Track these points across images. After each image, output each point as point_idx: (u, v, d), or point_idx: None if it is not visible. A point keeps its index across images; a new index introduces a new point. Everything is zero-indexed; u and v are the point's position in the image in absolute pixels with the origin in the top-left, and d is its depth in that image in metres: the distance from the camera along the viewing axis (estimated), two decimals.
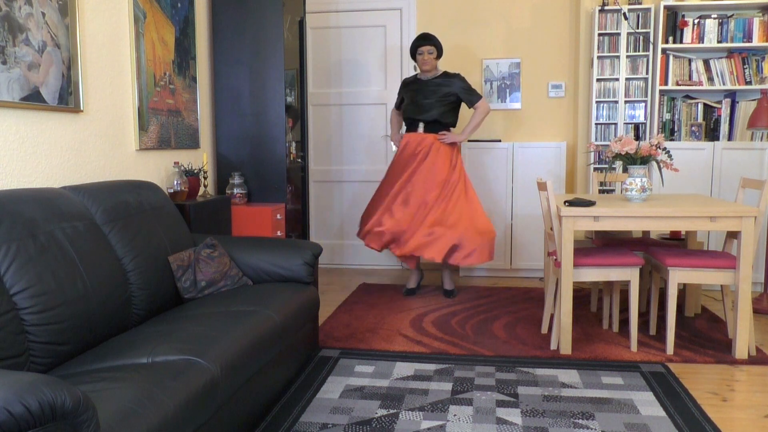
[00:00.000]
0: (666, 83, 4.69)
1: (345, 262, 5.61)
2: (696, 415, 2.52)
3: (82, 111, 2.79)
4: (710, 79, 4.68)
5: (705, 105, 4.74)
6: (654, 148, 3.35)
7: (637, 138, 4.82)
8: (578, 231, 4.83)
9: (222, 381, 1.98)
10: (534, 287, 4.72)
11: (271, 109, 4.08)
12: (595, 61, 4.76)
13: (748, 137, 4.67)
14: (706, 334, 3.56)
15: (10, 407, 1.21)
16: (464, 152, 4.97)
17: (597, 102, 4.81)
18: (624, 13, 4.68)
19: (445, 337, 3.53)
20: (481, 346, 3.36)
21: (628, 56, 4.74)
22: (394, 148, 5.38)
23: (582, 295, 4.47)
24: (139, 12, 3.22)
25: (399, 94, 4.54)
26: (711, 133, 4.75)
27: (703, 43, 4.61)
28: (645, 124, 4.79)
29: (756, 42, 4.55)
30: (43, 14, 2.52)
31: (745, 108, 4.67)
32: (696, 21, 4.61)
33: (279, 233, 3.98)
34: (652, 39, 4.71)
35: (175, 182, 3.42)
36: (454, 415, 2.54)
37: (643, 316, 3.94)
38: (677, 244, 3.95)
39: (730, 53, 4.68)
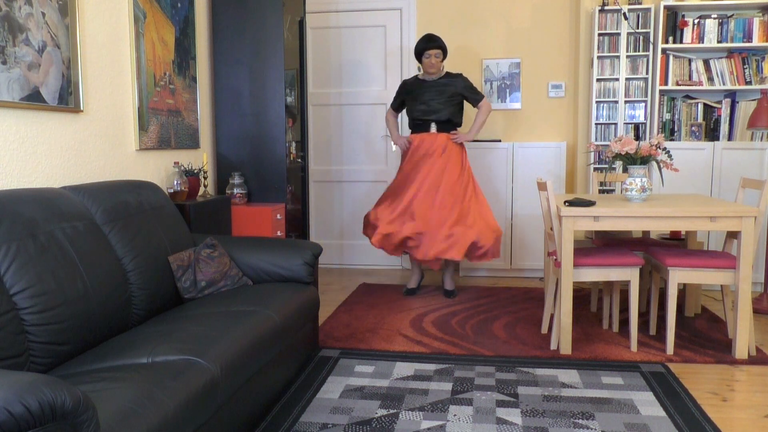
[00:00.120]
0: (666, 83, 4.69)
1: (345, 262, 5.61)
2: (696, 415, 2.52)
3: (82, 111, 2.79)
4: (710, 79, 4.68)
5: (705, 105, 4.74)
6: (654, 148, 3.35)
7: (637, 138, 4.82)
8: (578, 231, 4.83)
9: (222, 381, 1.98)
10: (534, 287, 4.72)
11: (271, 109, 4.08)
12: (595, 61, 4.76)
13: (748, 137, 4.67)
14: (706, 334, 3.56)
15: (10, 407, 1.21)
16: None
17: (597, 102, 4.81)
18: (624, 13, 4.68)
19: (445, 337, 3.53)
20: (481, 346, 3.36)
21: (628, 56, 4.74)
22: (394, 148, 5.38)
23: (582, 295, 4.47)
24: (139, 12, 3.22)
25: (398, 95, 4.48)
26: (711, 133, 4.75)
27: (703, 43, 4.61)
28: (645, 124, 4.79)
29: (756, 42, 4.55)
30: (43, 14, 2.52)
31: (745, 108, 4.67)
32: (696, 21, 4.61)
33: (279, 233, 3.98)
34: (652, 39, 4.71)
35: (175, 182, 3.42)
36: (454, 415, 2.54)
37: (643, 316, 3.95)
38: (677, 244, 3.95)
39: (730, 53, 4.68)
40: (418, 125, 4.39)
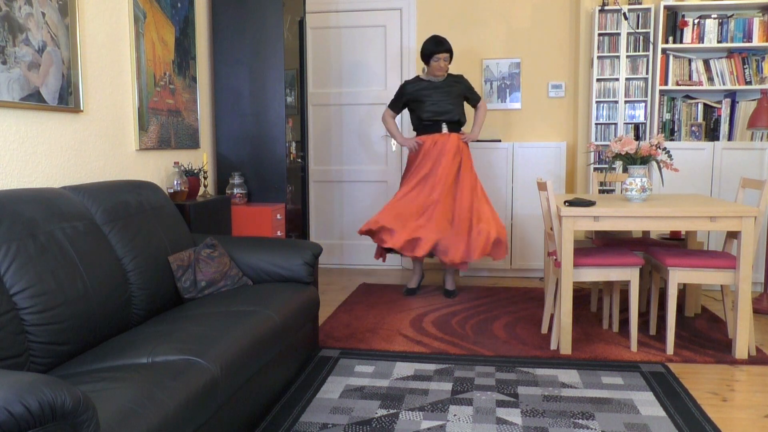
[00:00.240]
0: (666, 83, 4.69)
1: (345, 262, 5.61)
2: (696, 415, 2.52)
3: (82, 111, 2.79)
4: (710, 79, 4.68)
5: (705, 105, 4.74)
6: (654, 148, 3.35)
7: (637, 138, 4.82)
8: (578, 231, 4.83)
9: (222, 381, 1.98)
10: (534, 287, 4.72)
11: (271, 109, 4.08)
12: (595, 61, 4.76)
13: (748, 137, 4.67)
14: (706, 334, 3.56)
15: (10, 407, 1.21)
16: None
17: (597, 102, 4.81)
18: (624, 13, 4.68)
19: (445, 337, 3.53)
20: (481, 346, 3.36)
21: (628, 56, 4.74)
22: (394, 148, 5.38)
23: (582, 295, 4.47)
24: (139, 12, 3.22)
25: (400, 96, 4.40)
26: (711, 133, 4.75)
27: (703, 43, 4.61)
28: (645, 124, 4.79)
29: (756, 42, 4.55)
30: (43, 14, 2.52)
31: (745, 108, 4.67)
32: (696, 21, 4.61)
33: (279, 233, 3.98)
34: (652, 39, 4.71)
35: (175, 182, 3.42)
36: (454, 415, 2.54)
37: (643, 316, 3.95)
38: (677, 244, 3.95)
39: (730, 53, 4.68)
40: (427, 126, 4.35)
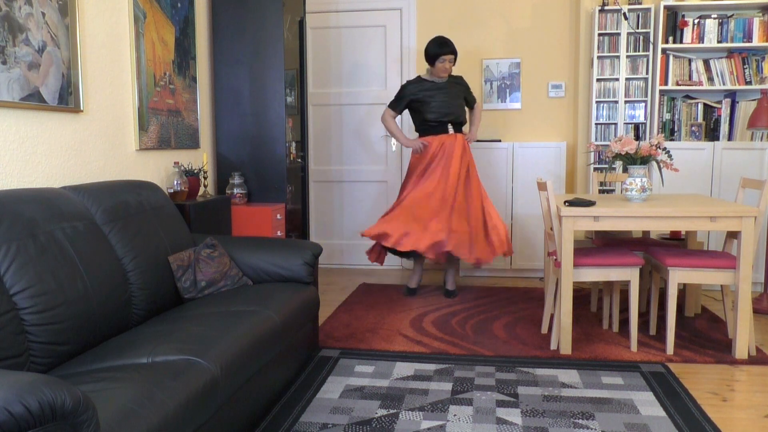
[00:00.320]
0: (666, 83, 4.69)
1: (345, 262, 5.61)
2: (696, 415, 2.52)
3: (82, 111, 2.79)
4: (710, 79, 4.68)
5: (705, 105, 4.74)
6: (654, 148, 3.35)
7: (637, 138, 4.82)
8: (578, 231, 4.83)
9: (222, 381, 1.98)
10: (534, 287, 4.72)
11: (271, 109, 4.08)
12: (595, 61, 4.76)
13: (748, 137, 4.67)
14: (706, 334, 3.56)
15: (10, 407, 1.21)
16: None
17: (597, 102, 4.81)
18: (624, 13, 4.68)
19: (445, 337, 3.53)
20: (481, 346, 3.36)
21: (628, 56, 4.74)
22: (394, 148, 5.38)
23: (582, 295, 4.47)
24: (139, 12, 3.22)
25: (403, 97, 4.34)
26: (711, 133, 4.75)
27: (703, 43, 4.61)
28: (645, 124, 4.79)
29: (756, 42, 4.55)
30: (43, 14, 2.52)
31: (745, 108, 4.67)
32: (696, 21, 4.61)
33: (279, 233, 3.98)
34: (652, 39, 4.71)
35: (175, 182, 3.42)
36: (454, 415, 2.54)
37: (643, 316, 3.94)
38: (677, 244, 3.95)
39: (730, 53, 4.68)
40: (433, 127, 4.32)
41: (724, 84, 4.66)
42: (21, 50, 2.40)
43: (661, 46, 4.62)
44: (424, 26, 5.28)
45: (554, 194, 4.29)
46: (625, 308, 4.11)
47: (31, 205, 2.15)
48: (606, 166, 4.62)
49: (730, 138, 4.70)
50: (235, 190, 3.99)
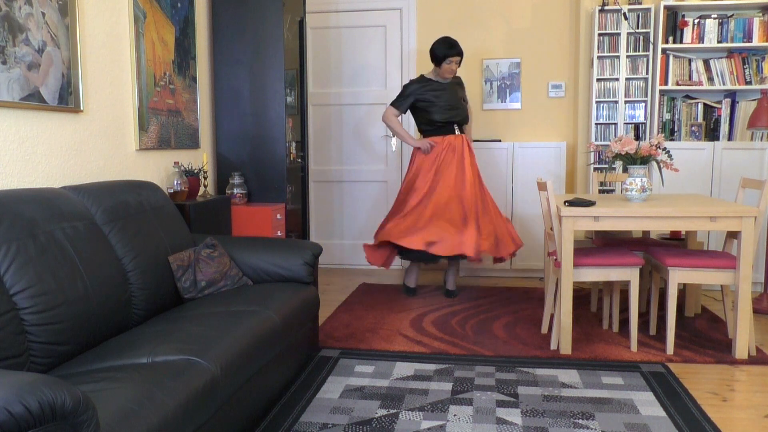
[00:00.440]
0: (666, 83, 4.69)
1: (345, 262, 5.61)
2: (696, 415, 2.52)
3: (82, 111, 2.79)
4: (710, 79, 4.68)
5: (705, 105, 4.74)
6: (654, 148, 3.35)
7: (637, 138, 4.82)
8: (578, 231, 4.83)
9: (222, 381, 1.98)
10: (534, 287, 4.72)
11: (271, 109, 4.08)
12: (595, 61, 4.76)
13: (748, 137, 4.67)
14: (706, 334, 3.56)
15: (10, 407, 1.21)
16: None
17: (597, 102, 4.81)
18: (624, 13, 4.68)
19: (445, 337, 3.53)
20: (481, 346, 3.36)
21: (628, 56, 4.74)
22: (394, 148, 5.38)
23: (582, 295, 4.47)
24: (139, 12, 3.22)
25: (408, 96, 4.29)
26: (711, 133, 4.75)
27: (703, 43, 4.61)
28: (645, 124, 4.79)
29: (756, 42, 4.55)
30: (43, 14, 2.52)
31: (745, 108, 4.67)
32: (696, 21, 4.61)
33: (279, 233, 3.98)
34: (652, 39, 4.71)
35: (175, 182, 3.42)
36: (454, 415, 2.54)
37: (643, 316, 3.94)
38: (677, 244, 3.95)
39: (730, 53, 4.68)
40: (439, 127, 4.31)
41: (724, 84, 4.66)
42: (21, 50, 2.40)
43: (661, 46, 4.62)
44: (424, 26, 5.28)
45: (554, 194, 4.29)
46: (625, 308, 4.11)
47: (31, 205, 2.15)
48: (606, 166, 4.62)
49: (730, 138, 4.70)
50: (235, 190, 3.99)
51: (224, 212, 3.68)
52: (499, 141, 5.03)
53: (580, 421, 2.47)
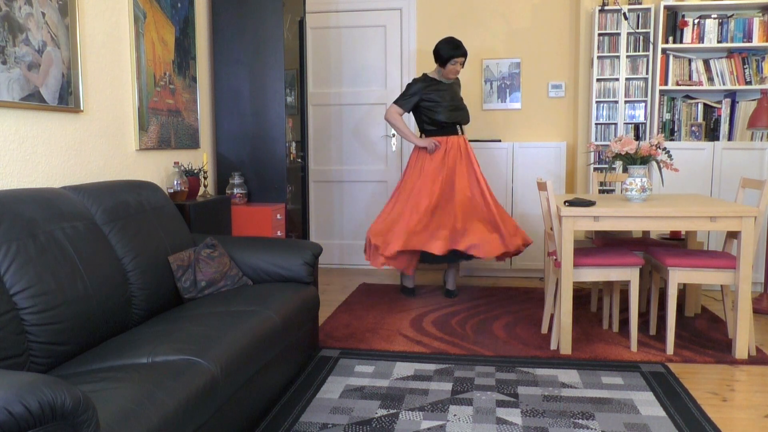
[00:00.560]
0: (666, 83, 4.69)
1: (345, 262, 5.61)
2: (696, 415, 2.52)
3: (82, 111, 2.79)
4: (710, 79, 4.68)
5: (705, 105, 4.74)
6: (654, 148, 3.35)
7: (637, 138, 4.82)
8: (578, 231, 4.83)
9: (222, 381, 1.98)
10: (534, 287, 4.72)
11: (271, 109, 4.08)
12: (595, 61, 4.76)
13: (748, 137, 4.67)
14: (706, 334, 3.56)
15: (10, 407, 1.21)
16: None
17: (597, 102, 4.81)
18: (624, 13, 4.68)
19: (445, 337, 3.53)
20: (481, 346, 3.36)
21: (628, 56, 4.74)
22: (394, 148, 5.38)
23: (582, 295, 4.47)
24: (139, 12, 3.22)
25: (413, 95, 4.25)
26: (711, 133, 4.75)
27: (703, 43, 4.61)
28: (645, 124, 4.79)
29: (756, 42, 4.55)
30: (43, 14, 2.52)
31: (745, 108, 4.67)
32: (696, 21, 4.61)
33: (279, 233, 3.98)
34: (652, 39, 4.71)
35: (175, 182, 3.42)
36: (454, 415, 2.54)
37: (643, 316, 3.94)
38: (677, 244, 3.95)
39: (730, 53, 4.68)
40: (444, 127, 4.29)
41: (724, 84, 4.65)
42: (21, 50, 2.40)
43: (661, 46, 4.62)
44: (424, 26, 5.28)
45: (554, 194, 4.29)
46: (625, 308, 4.11)
47: (31, 205, 2.15)
48: (606, 166, 4.62)
49: (730, 138, 4.70)
50: (235, 190, 3.99)
51: (224, 212, 3.68)
52: (499, 141, 5.03)
53: (580, 421, 2.47)
